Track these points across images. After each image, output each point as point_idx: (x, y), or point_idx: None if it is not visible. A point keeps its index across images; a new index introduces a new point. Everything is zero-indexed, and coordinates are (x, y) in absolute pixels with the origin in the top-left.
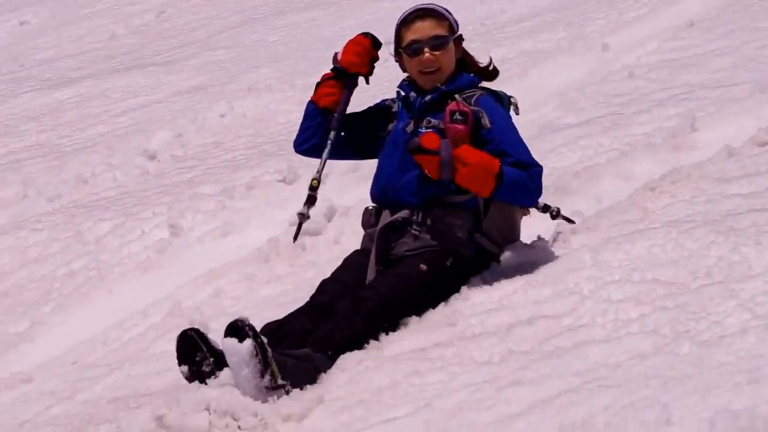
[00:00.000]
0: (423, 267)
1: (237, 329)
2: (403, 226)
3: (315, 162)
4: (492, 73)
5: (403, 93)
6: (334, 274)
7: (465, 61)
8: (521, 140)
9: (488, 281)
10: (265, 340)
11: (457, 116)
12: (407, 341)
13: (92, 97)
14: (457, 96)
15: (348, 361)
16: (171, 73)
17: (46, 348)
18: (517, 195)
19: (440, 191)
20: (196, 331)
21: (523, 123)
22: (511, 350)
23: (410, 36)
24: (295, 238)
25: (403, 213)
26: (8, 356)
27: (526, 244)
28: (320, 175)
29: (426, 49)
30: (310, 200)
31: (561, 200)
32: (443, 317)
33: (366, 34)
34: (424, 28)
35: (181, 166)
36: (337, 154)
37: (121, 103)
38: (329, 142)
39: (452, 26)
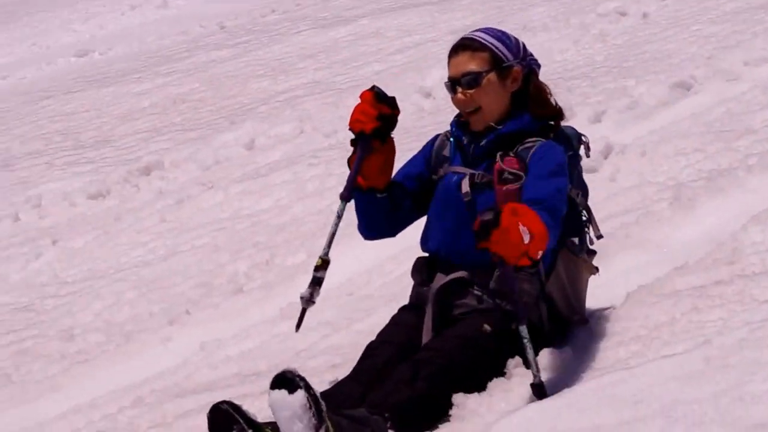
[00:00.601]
0: (487, 328)
1: (286, 380)
2: (463, 286)
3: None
4: (556, 115)
5: (454, 130)
6: (382, 335)
7: (531, 93)
8: (550, 181)
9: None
10: (317, 391)
11: (507, 176)
12: (687, 278)
13: (367, 35)
14: (511, 153)
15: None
16: (445, 12)
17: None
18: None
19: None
20: (230, 403)
21: None
22: None
23: (448, 72)
24: (298, 326)
25: (462, 273)
26: (286, 286)
27: None
28: (327, 253)
29: (458, 88)
30: (315, 282)
31: None
32: (723, 255)
33: (371, 89)
34: (458, 64)
35: None
36: (393, 225)
37: (395, 41)
38: (337, 214)
39: (496, 57)
